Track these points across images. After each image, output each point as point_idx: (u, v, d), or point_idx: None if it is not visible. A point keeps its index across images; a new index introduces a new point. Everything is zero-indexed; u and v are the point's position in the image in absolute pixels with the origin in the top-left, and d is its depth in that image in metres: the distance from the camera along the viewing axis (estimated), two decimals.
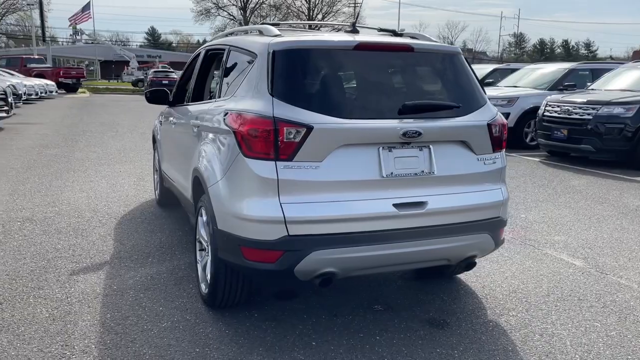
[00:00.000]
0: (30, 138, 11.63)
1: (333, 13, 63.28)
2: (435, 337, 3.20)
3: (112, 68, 60.14)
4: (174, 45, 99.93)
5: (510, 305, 3.68)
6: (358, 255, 2.92)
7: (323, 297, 3.70)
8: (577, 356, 3.02)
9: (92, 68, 67.43)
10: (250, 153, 2.85)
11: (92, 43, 68.60)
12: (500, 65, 16.77)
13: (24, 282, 3.84)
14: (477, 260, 3.45)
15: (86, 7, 52.53)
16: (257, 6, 61.60)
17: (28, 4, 50.82)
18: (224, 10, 60.45)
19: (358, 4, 60.69)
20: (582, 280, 4.13)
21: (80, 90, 31.88)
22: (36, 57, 34.01)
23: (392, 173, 2.96)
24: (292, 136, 2.78)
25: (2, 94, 12.85)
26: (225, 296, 3.29)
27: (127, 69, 56.12)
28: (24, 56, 33.06)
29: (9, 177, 7.43)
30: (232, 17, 61.11)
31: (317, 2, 62.33)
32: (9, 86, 13.92)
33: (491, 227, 3.27)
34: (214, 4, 59.85)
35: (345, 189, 2.89)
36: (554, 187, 7.50)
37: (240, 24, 61.28)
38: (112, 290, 3.75)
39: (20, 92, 18.53)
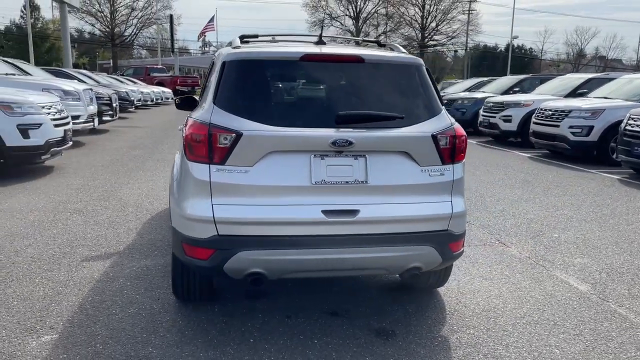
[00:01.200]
0: (126, 140, 12.84)
1: (447, 21, 62.12)
2: (372, 346, 3.21)
3: None
4: None
5: (473, 323, 3.57)
6: (285, 258, 3.04)
7: (289, 299, 3.84)
8: None
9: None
10: (192, 157, 3.08)
11: (212, 53, 73.18)
12: (598, 74, 15.55)
13: (40, 265, 4.38)
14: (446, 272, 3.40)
15: (211, 20, 56.30)
16: (370, 16, 62.16)
17: (156, 19, 55.50)
18: (337, 20, 61.70)
19: (473, 11, 59.08)
20: (573, 306, 3.87)
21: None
22: (159, 67, 37.29)
23: (322, 180, 3.04)
24: (224, 142, 2.98)
25: (107, 100, 14.31)
26: (184, 289, 3.55)
27: None
28: (148, 66, 36.37)
29: (86, 173, 8.34)
30: (345, 27, 62.15)
31: (431, 9, 61.52)
32: (114, 93, 15.44)
33: (436, 240, 3.22)
34: (328, 14, 61.33)
35: (275, 194, 3.02)
36: (613, 208, 6.93)
37: (352, 34, 62.20)
38: (107, 277, 4.17)
39: (132, 98, 20.44)
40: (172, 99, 28.36)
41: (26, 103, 7.70)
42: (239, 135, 2.97)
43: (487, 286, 4.20)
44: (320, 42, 3.59)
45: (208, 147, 3.00)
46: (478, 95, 16.27)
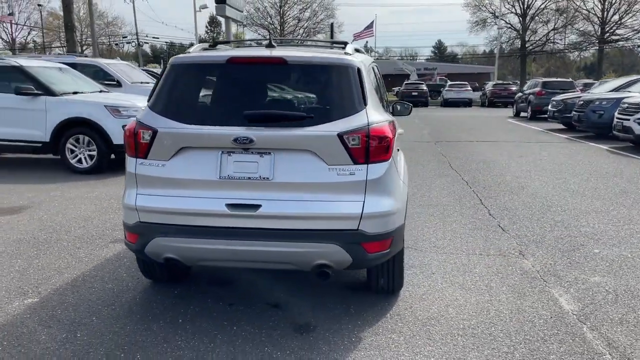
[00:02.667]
0: None
1: (633, 13, 55.52)
2: (281, 338, 3.32)
3: (388, 82, 64.10)
4: (459, 57, 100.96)
5: (402, 329, 3.47)
6: (194, 246, 3.30)
7: (247, 288, 4.07)
8: None
9: None
10: (127, 152, 3.50)
11: (376, 59, 74.36)
12: None
13: (75, 243, 5.16)
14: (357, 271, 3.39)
15: (369, 26, 57.40)
16: (539, 12, 58.05)
17: (320, 28, 57.98)
18: (501, 19, 58.70)
19: None
20: (535, 323, 3.54)
21: None
22: None
23: (228, 175, 3.24)
24: (145, 138, 3.34)
25: None
26: (144, 269, 3.98)
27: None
28: None
29: None
30: (509, 25, 58.97)
31: (613, 0, 55.49)
32: None
33: (344, 239, 3.22)
34: (491, 13, 58.65)
35: (186, 186, 3.30)
36: None
37: (519, 33, 58.77)
38: (113, 255, 4.78)
39: None
40: None
41: (132, 107, 8.88)
42: (155, 132, 3.30)
43: (456, 295, 4.00)
44: (270, 45, 3.77)
45: (134, 143, 3.39)
46: (621, 95, 14.52)
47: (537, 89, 23.05)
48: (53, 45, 66.56)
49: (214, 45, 4.09)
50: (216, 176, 3.26)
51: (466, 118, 23.78)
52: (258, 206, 3.21)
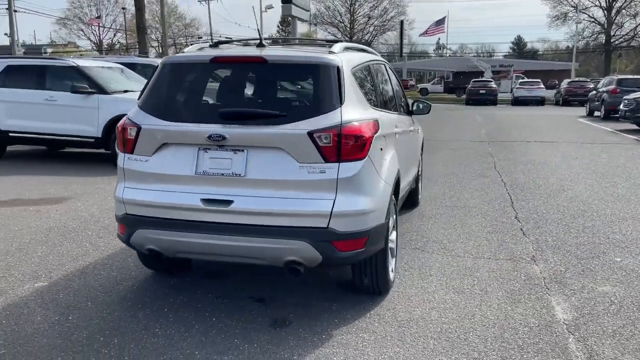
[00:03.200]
0: None
1: None
2: (255, 331, 3.39)
3: (461, 79, 62.58)
4: (539, 53, 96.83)
5: (376, 329, 3.45)
6: (172, 239, 3.44)
7: (240, 281, 4.19)
8: None
9: (448, 79, 71.55)
10: (118, 147, 3.69)
11: (449, 56, 72.88)
12: None
13: (99, 233, 5.47)
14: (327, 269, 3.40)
15: (440, 22, 56.33)
16: (626, 4, 54.65)
17: (391, 25, 57.60)
18: (583, 12, 55.78)
19: None
20: (518, 330, 3.41)
21: None
22: None
23: (204, 171, 3.35)
24: (131, 134, 3.51)
25: None
26: (145, 260, 4.17)
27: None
28: None
29: None
30: (593, 20, 55.92)
31: None
32: None
33: (313, 236, 3.24)
34: (573, 6, 55.85)
35: (166, 181, 3.44)
36: None
37: (604, 27, 55.60)
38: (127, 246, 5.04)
39: None
40: None
41: None
42: (139, 128, 3.47)
43: (446, 298, 3.91)
44: (260, 45, 3.85)
45: (122, 139, 3.57)
46: None
47: (612, 87, 21.67)
48: (136, 47, 70.26)
49: (215, 45, 4.21)
50: (193, 172, 3.38)
51: (533, 117, 22.83)
52: (230, 202, 3.30)
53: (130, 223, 3.56)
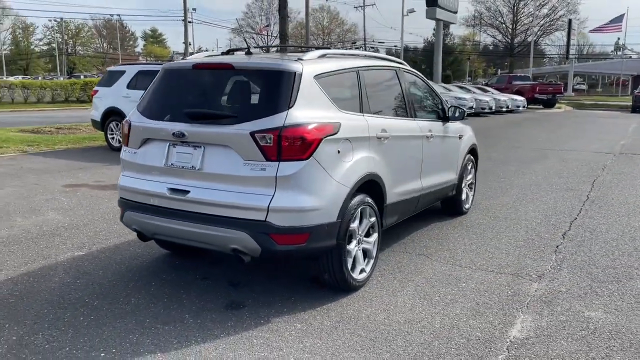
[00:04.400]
0: None
1: None
2: (204, 313, 3.78)
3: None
4: None
5: (315, 323, 3.61)
6: (147, 222, 3.95)
7: (231, 267, 4.58)
8: None
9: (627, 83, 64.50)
10: (123, 141, 4.32)
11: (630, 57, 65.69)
12: None
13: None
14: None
15: (617, 19, 51.15)
16: None
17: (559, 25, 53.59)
18: None
19: None
20: (453, 344, 3.35)
21: (557, 105, 32.52)
22: (521, 75, 37.00)
23: (171, 164, 3.83)
24: (126, 130, 4.10)
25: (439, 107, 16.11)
26: (158, 241, 4.75)
27: None
28: (510, 74, 36.50)
29: None
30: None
31: None
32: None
33: (252, 228, 3.53)
34: None
35: (145, 171, 3.98)
36: None
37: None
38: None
39: (470, 104, 21.71)
40: (523, 107, 27.88)
41: None
42: (130, 125, 4.06)
43: (406, 303, 3.93)
44: (248, 52, 4.22)
45: (122, 134, 4.19)
46: None
47: None
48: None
49: (227, 52, 4.67)
50: (163, 164, 3.88)
51: None
52: (187, 192, 3.74)
53: (122, 205, 4.17)
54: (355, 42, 62.94)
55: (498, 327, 3.56)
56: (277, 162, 3.51)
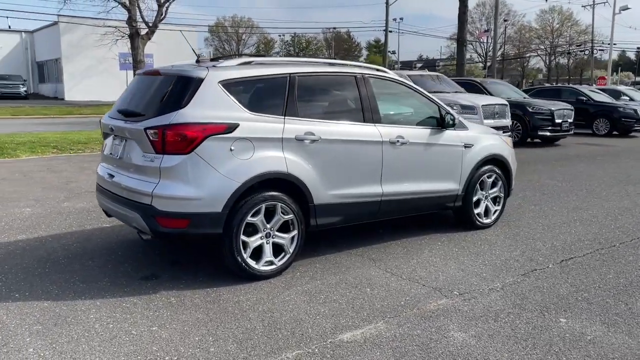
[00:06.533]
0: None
1: None
2: (116, 282, 4.26)
3: None
4: None
5: (175, 303, 3.90)
6: (101, 202, 4.81)
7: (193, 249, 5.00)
8: None
9: None
10: None
11: None
12: None
13: None
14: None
15: None
16: None
17: None
18: None
19: None
20: (296, 333, 3.37)
21: None
22: None
23: (110, 153, 4.62)
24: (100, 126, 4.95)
25: (547, 116, 15.20)
26: None
27: None
28: None
29: None
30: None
31: None
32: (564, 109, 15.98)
33: (142, 210, 4.06)
34: None
35: (103, 160, 4.89)
36: None
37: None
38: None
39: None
40: None
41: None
42: (100, 121, 4.98)
43: (287, 299, 4.01)
44: (197, 61, 4.68)
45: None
46: None
47: None
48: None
49: (215, 59, 5.14)
50: (108, 153, 4.69)
51: None
52: (113, 176, 4.49)
53: (95, 189, 5.02)
54: (579, 45, 55.60)
55: (436, 333, 3.45)
56: (162, 155, 4.01)
